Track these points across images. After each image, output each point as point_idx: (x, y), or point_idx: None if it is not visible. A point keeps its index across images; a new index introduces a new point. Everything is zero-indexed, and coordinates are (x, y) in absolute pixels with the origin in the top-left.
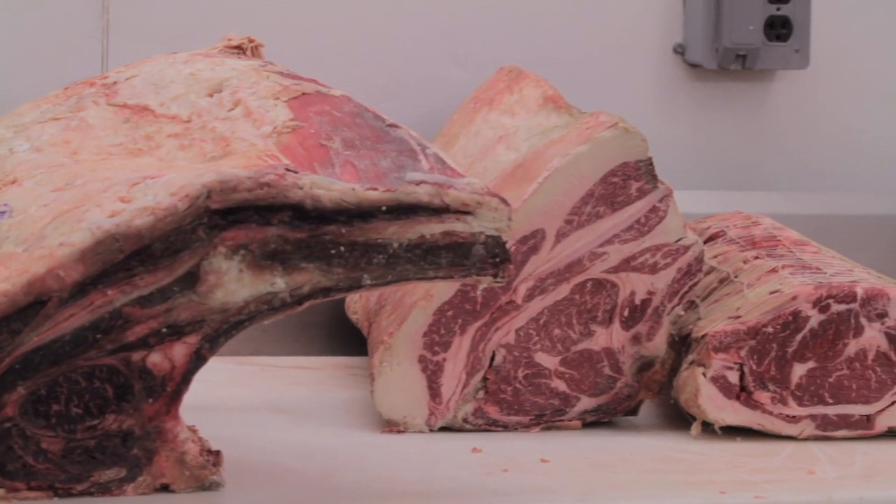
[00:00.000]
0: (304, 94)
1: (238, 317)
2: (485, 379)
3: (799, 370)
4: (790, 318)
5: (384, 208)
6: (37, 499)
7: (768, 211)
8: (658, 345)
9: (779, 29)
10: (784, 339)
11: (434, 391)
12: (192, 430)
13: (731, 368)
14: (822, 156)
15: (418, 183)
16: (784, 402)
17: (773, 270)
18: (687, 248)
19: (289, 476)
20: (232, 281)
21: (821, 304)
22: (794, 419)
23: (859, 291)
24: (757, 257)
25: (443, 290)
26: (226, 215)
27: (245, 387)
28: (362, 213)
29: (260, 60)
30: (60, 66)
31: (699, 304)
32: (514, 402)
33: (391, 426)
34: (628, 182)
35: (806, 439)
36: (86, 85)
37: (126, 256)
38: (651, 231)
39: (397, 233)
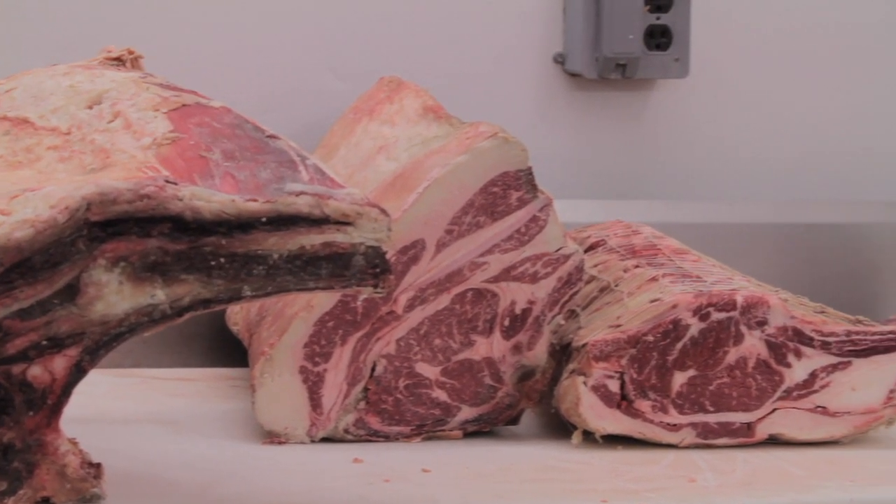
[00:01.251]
0: (183, 105)
1: (118, 329)
2: (366, 389)
3: (679, 378)
4: (670, 326)
5: (264, 219)
6: None
7: (648, 220)
8: (539, 354)
9: (658, 38)
10: (664, 347)
11: (315, 402)
12: (73, 442)
13: (611, 377)
14: (702, 164)
15: (298, 194)
16: (665, 411)
17: (654, 279)
18: (567, 257)
19: (170, 487)
20: (112, 293)
21: (701, 313)
22: (674, 427)
23: (739, 299)
24: (637, 266)
25: (323, 300)
26: (106, 227)
27: (126, 399)
28: (242, 225)
29: (140, 72)
30: None
31: (580, 313)
32: (395, 412)
33: (272, 437)
34: (508, 192)
35: (687, 447)
36: None
37: (6, 269)
38: (531, 240)
39: (277, 244)
